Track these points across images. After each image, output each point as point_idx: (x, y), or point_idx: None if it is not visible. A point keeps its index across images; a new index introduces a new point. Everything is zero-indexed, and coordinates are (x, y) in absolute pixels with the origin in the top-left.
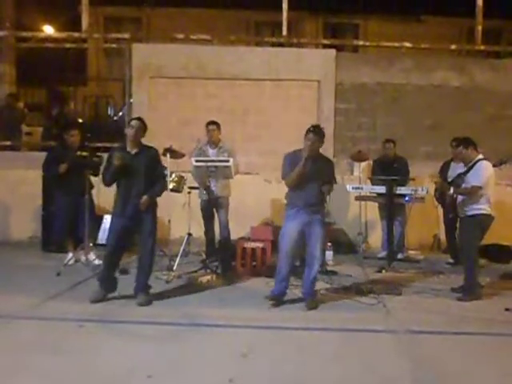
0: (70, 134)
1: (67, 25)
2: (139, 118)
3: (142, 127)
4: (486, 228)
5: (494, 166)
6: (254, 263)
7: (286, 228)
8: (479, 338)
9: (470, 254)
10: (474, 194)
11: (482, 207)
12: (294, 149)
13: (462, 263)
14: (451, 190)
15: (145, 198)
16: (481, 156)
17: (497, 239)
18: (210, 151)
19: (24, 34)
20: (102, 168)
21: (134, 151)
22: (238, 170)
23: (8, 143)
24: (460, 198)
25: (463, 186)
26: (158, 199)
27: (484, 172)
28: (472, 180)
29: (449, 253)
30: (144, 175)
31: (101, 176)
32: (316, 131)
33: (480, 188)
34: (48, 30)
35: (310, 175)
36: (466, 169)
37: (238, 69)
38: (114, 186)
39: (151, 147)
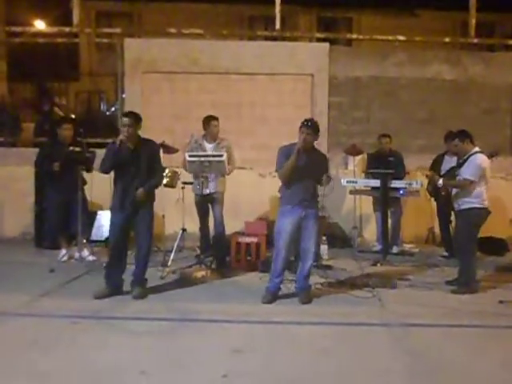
0: (62, 127)
1: (58, 20)
2: (130, 113)
3: (134, 122)
4: (480, 221)
5: None
6: (249, 258)
7: (281, 224)
8: (474, 330)
9: (465, 248)
10: (464, 187)
11: (474, 201)
12: (290, 142)
13: (457, 256)
14: (440, 182)
15: (140, 190)
16: (477, 149)
17: (491, 232)
18: (208, 146)
19: (15, 29)
20: (94, 164)
21: (132, 146)
22: (235, 166)
23: (1, 139)
24: (454, 191)
25: (457, 179)
26: None
27: (477, 165)
28: (464, 173)
29: (443, 246)
30: (143, 169)
31: (99, 164)
32: (310, 124)
33: (470, 182)
34: (39, 25)
35: (304, 169)
36: (460, 162)
37: (231, 63)
38: (108, 181)
39: (150, 141)
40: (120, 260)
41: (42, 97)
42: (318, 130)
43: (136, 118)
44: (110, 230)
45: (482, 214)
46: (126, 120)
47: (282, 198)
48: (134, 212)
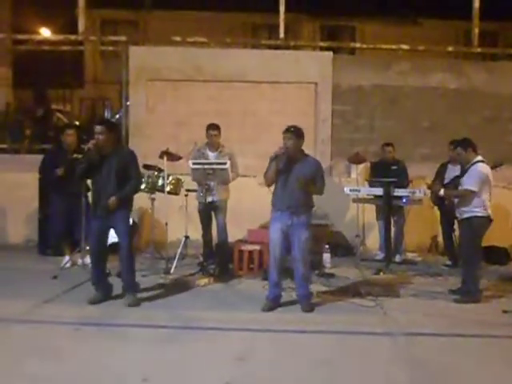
0: (66, 133)
1: (64, 27)
2: (103, 121)
3: (106, 130)
4: (482, 230)
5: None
6: (252, 266)
7: (271, 231)
8: (477, 339)
9: (468, 257)
10: (465, 197)
11: (476, 210)
12: None
13: (461, 266)
14: (441, 192)
15: (112, 199)
16: (479, 158)
17: (493, 241)
18: (211, 154)
19: (21, 36)
20: None
21: (105, 153)
22: (238, 174)
23: (5, 146)
24: (456, 200)
25: (459, 188)
26: (156, 202)
27: (479, 175)
28: (466, 183)
29: (446, 255)
30: (114, 176)
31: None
32: (291, 130)
33: (472, 192)
34: (45, 32)
35: (289, 175)
36: (462, 171)
37: (235, 71)
38: None
39: (124, 147)
40: (101, 266)
41: (37, 102)
42: (301, 135)
43: (109, 126)
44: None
45: (484, 222)
46: (97, 128)
47: (271, 204)
48: (109, 219)
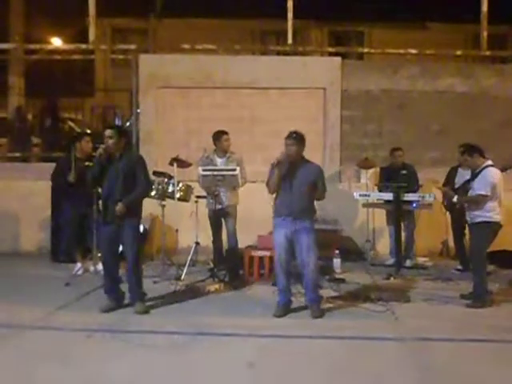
0: (84, 140)
1: (75, 37)
2: (113, 126)
3: (116, 134)
4: (493, 235)
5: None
6: (262, 272)
7: (276, 237)
8: (489, 345)
9: (478, 262)
10: (478, 202)
11: (487, 214)
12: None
13: (472, 270)
14: (455, 198)
15: (120, 204)
16: (489, 162)
17: (504, 245)
18: (219, 160)
19: (32, 46)
20: None
21: (113, 158)
22: (246, 180)
23: (17, 154)
24: (466, 205)
25: (469, 193)
26: (166, 209)
27: (489, 179)
28: (477, 188)
29: (458, 259)
30: (122, 181)
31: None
32: (292, 136)
33: (485, 196)
34: (56, 42)
35: (291, 181)
36: (472, 176)
37: (244, 78)
38: None
39: (133, 152)
40: (111, 273)
41: (45, 112)
42: (303, 141)
43: (119, 131)
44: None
45: (494, 226)
46: (107, 132)
47: (274, 210)
48: (117, 225)
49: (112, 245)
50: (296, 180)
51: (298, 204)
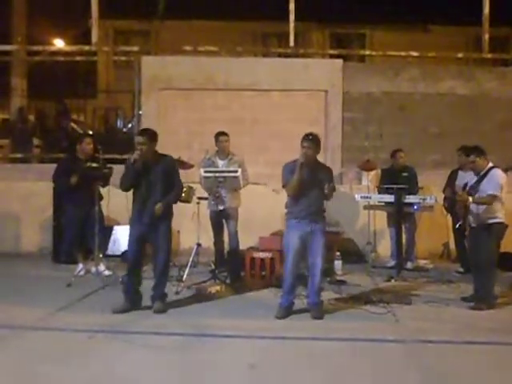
0: (85, 141)
1: (77, 38)
2: (144, 131)
3: (148, 139)
4: (501, 237)
5: None
6: (263, 273)
7: (288, 238)
8: (491, 347)
9: (487, 263)
10: (491, 202)
11: (497, 215)
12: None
13: (473, 272)
14: (470, 200)
15: (159, 205)
16: (491, 164)
17: (506, 248)
18: (220, 162)
19: (35, 47)
20: (113, 179)
21: (148, 162)
22: (248, 182)
23: (19, 155)
24: (474, 207)
25: (477, 195)
26: None
27: (498, 180)
28: (488, 189)
29: (459, 261)
30: (159, 184)
31: (119, 181)
32: (310, 138)
33: (496, 196)
34: (58, 43)
35: (308, 183)
36: (478, 177)
37: (245, 80)
38: (124, 196)
39: (167, 156)
40: (136, 272)
41: (61, 114)
42: (319, 144)
43: (150, 136)
44: (128, 242)
45: (503, 228)
46: (139, 138)
47: (288, 212)
48: (152, 226)
49: (141, 245)
50: (312, 181)
51: (315, 206)
